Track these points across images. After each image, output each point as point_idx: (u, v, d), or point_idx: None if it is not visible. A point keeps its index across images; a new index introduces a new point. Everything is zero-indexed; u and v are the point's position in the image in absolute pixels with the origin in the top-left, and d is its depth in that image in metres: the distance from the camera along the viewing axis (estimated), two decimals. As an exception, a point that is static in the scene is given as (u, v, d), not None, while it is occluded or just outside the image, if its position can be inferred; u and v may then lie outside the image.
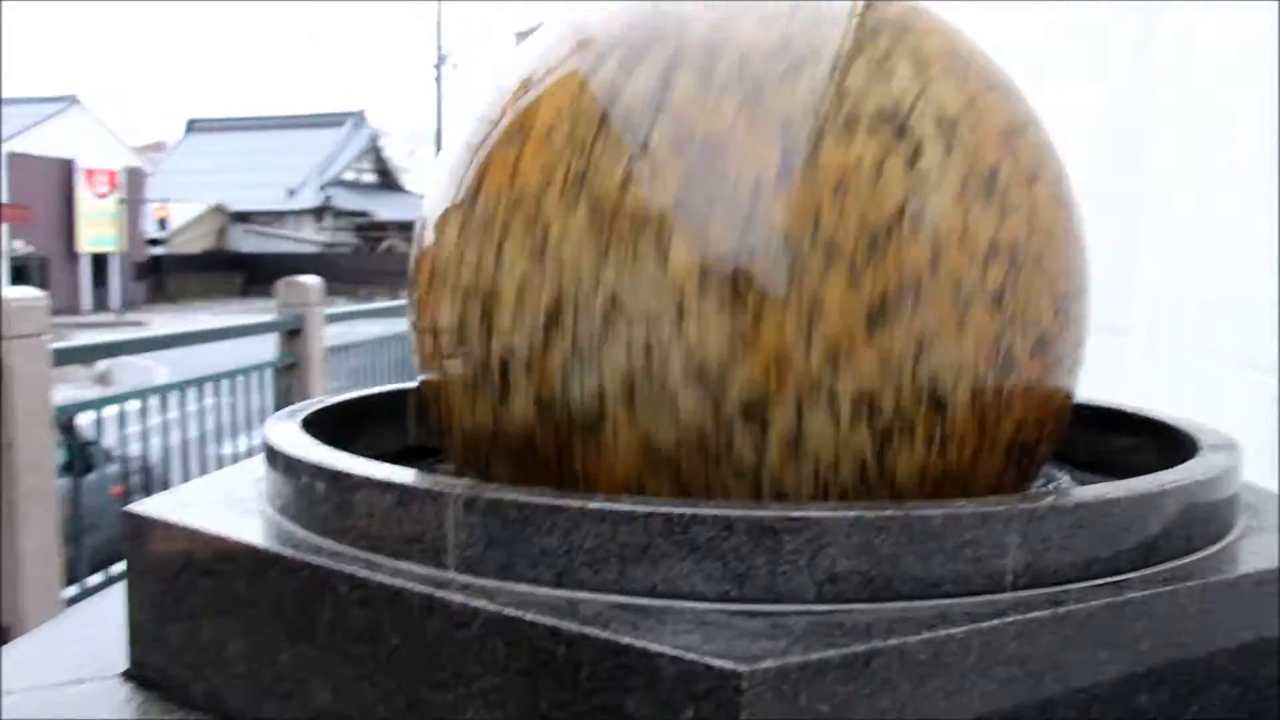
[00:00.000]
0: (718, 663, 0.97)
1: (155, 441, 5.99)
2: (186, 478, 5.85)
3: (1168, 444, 1.65)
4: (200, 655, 1.40)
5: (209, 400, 6.33)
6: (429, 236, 1.50)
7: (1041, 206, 1.40)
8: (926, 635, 1.06)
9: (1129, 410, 1.80)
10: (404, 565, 1.24)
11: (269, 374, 6.93)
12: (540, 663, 1.08)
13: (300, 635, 1.28)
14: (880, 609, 1.13)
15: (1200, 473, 1.39)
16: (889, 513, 1.15)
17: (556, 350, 1.30)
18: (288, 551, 1.31)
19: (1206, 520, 1.38)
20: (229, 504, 1.52)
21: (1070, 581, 1.21)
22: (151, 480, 6.15)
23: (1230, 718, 1.27)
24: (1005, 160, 1.37)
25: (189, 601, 1.41)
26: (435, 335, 1.47)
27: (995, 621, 1.10)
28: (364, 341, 8.13)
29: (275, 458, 1.47)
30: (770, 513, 1.14)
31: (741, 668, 0.96)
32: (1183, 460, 1.53)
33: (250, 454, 6.39)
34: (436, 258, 1.45)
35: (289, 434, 1.54)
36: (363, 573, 1.22)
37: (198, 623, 1.40)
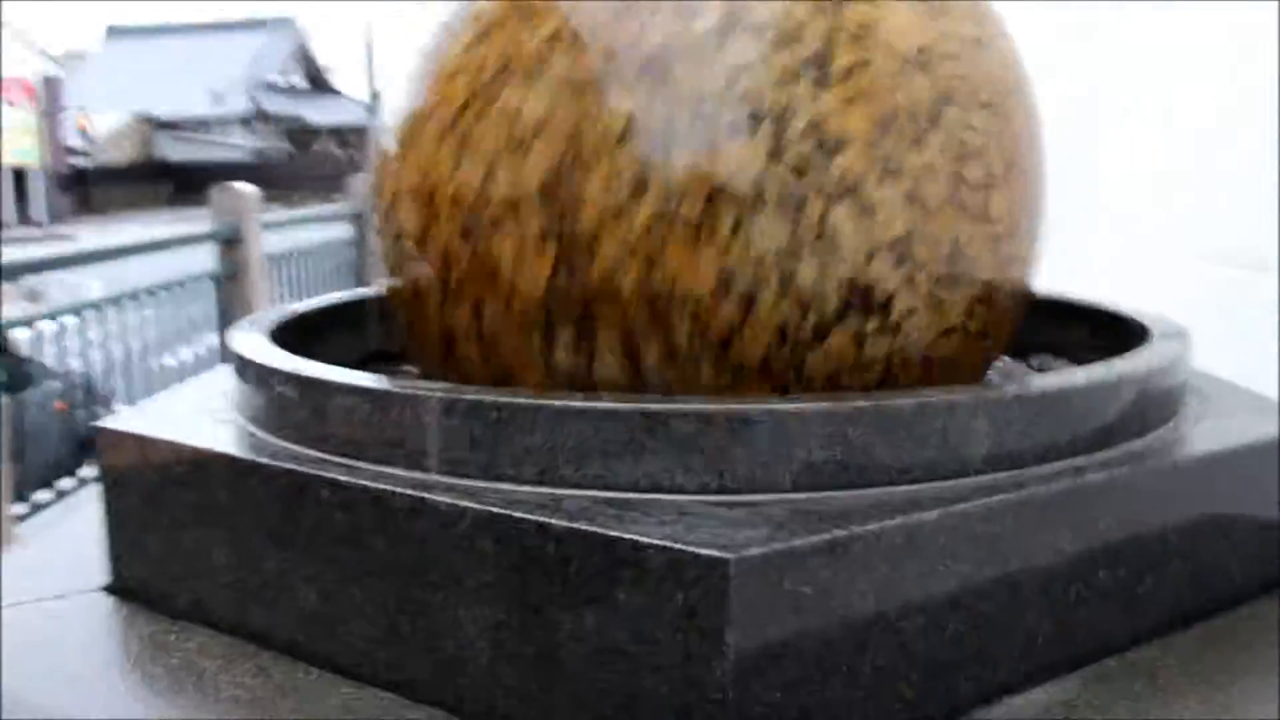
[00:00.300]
0: (705, 551, 1.01)
1: (96, 356, 5.88)
2: (130, 390, 5.77)
3: (1120, 333, 1.70)
4: (183, 566, 1.41)
5: (148, 312, 6.21)
6: (393, 145, 1.47)
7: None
8: (901, 520, 1.10)
9: (1081, 301, 1.85)
10: (385, 470, 1.25)
11: (208, 285, 6.80)
12: (529, 558, 1.10)
13: (284, 542, 1.30)
14: (855, 495, 1.17)
15: (1152, 360, 1.45)
16: (860, 403, 1.19)
17: (539, 252, 1.30)
18: (265, 460, 1.31)
19: (1160, 405, 1.43)
20: (201, 416, 1.52)
21: (1032, 464, 1.26)
22: (95, 395, 6.06)
23: (1181, 591, 1.34)
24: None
25: (168, 513, 1.41)
26: (402, 242, 1.46)
27: (964, 505, 1.15)
28: (304, 249, 7.97)
29: (246, 368, 1.46)
30: (748, 405, 1.17)
31: (728, 555, 1.00)
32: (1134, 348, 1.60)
33: (194, 364, 6.31)
34: (403, 166, 1.43)
35: (258, 344, 1.53)
36: (344, 478, 1.24)
37: (179, 534, 1.40)
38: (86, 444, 5.03)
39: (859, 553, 1.07)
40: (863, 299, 1.29)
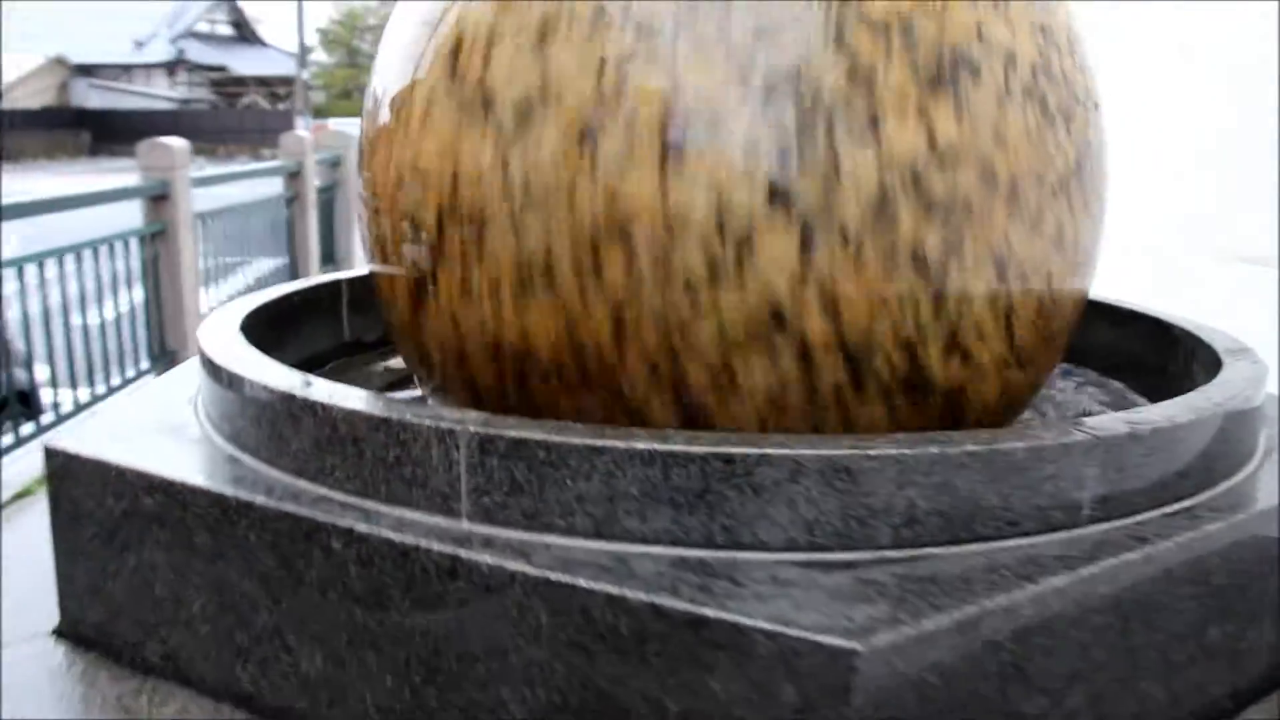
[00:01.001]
0: (826, 639, 0.84)
1: (9, 315, 5.50)
2: (50, 348, 5.43)
3: (1162, 340, 1.58)
4: (154, 612, 1.20)
5: (69, 268, 5.84)
6: (393, 116, 1.26)
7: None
8: (1030, 590, 0.94)
9: (1111, 301, 1.71)
10: (406, 514, 1.06)
11: (134, 242, 6.42)
12: (595, 633, 0.93)
13: (281, 593, 1.10)
14: (963, 554, 1.01)
15: (1245, 386, 1.31)
16: (971, 447, 1.03)
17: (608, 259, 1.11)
18: (260, 499, 1.11)
19: (1250, 435, 1.30)
20: (169, 434, 1.31)
21: (1145, 509, 1.11)
22: (10, 353, 5.68)
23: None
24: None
25: (135, 552, 1.20)
26: (403, 226, 1.25)
27: (1090, 568, 0.99)
28: (235, 206, 7.55)
29: (225, 379, 1.25)
30: (844, 450, 1.00)
31: (854, 644, 0.83)
32: (1187, 358, 1.47)
33: (117, 322, 5.94)
34: (410, 140, 1.23)
35: (238, 349, 1.32)
36: (361, 526, 1.04)
37: (148, 576, 1.20)
38: (1, 406, 4.69)
39: (988, 630, 0.91)
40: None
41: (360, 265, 1.61)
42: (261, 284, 7.23)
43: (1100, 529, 1.07)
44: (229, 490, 1.13)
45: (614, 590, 0.92)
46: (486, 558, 0.97)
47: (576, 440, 1.01)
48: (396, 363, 1.91)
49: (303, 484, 1.14)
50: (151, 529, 1.19)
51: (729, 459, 0.99)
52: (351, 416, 1.10)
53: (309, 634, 1.09)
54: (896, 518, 1.01)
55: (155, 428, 1.33)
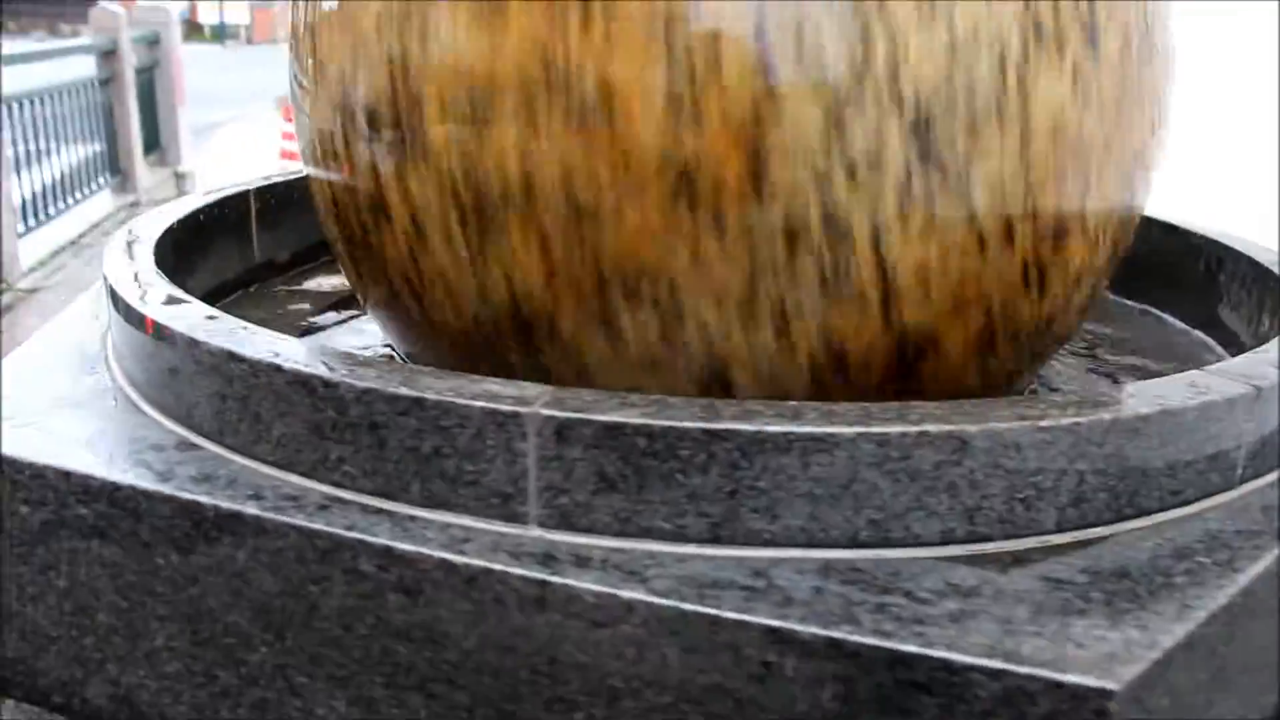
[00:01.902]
0: (1071, 678, 0.67)
1: None
2: None
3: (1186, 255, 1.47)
4: (100, 647, 0.93)
5: None
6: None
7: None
8: (1237, 582, 0.80)
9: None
10: (463, 523, 0.83)
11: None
12: (749, 676, 0.73)
13: (286, 626, 0.86)
14: (1132, 533, 0.86)
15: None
16: (1143, 410, 0.86)
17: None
18: (248, 508, 0.85)
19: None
20: (88, 411, 1.01)
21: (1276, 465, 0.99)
22: None
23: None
24: None
25: (70, 573, 0.93)
26: (359, 121, 0.99)
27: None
28: (43, 88, 6.66)
29: (180, 347, 0.97)
30: (1013, 423, 0.82)
31: (1108, 683, 0.67)
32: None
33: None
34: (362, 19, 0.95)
35: (179, 303, 1.02)
36: (406, 545, 0.80)
37: (93, 604, 0.92)
38: None
39: (1214, 639, 0.76)
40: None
41: (201, 161, 1.32)
42: (77, 172, 6.48)
43: (1253, 487, 0.94)
44: (202, 496, 0.86)
45: (774, 621, 0.72)
46: (589, 584, 0.76)
47: (690, 424, 0.79)
48: (319, 284, 1.63)
49: (295, 480, 0.89)
50: (91, 545, 0.91)
51: (882, 440, 0.79)
52: (369, 396, 0.85)
53: (326, 675, 0.85)
54: (1064, 497, 0.84)
55: (68, 402, 1.04)
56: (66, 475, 0.91)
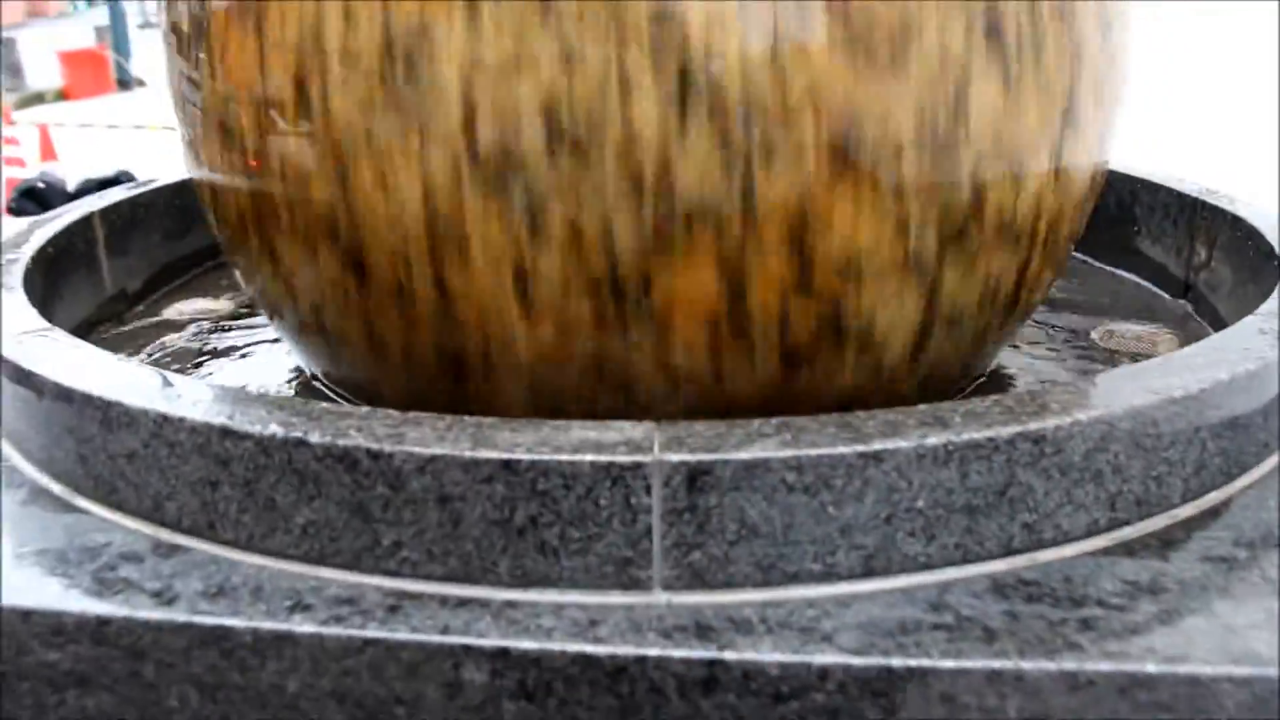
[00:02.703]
0: (1329, 677, 0.62)
1: None
2: None
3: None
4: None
5: None
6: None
7: None
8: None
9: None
10: (564, 599, 0.69)
11: None
12: (969, 729, 0.64)
13: (363, 758, 0.69)
14: (1246, 494, 0.83)
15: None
16: (1250, 366, 0.83)
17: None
18: (305, 626, 0.68)
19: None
20: (44, 528, 0.79)
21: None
22: None
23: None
24: None
25: (46, 743, 0.72)
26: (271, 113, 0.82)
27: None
28: None
29: (152, 427, 0.76)
30: (1150, 399, 0.76)
31: (1363, 676, 0.62)
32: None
33: None
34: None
35: (136, 374, 0.81)
36: (522, 641, 0.66)
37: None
38: None
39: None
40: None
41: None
42: None
43: (1308, 426, 0.94)
44: (230, 619, 0.68)
45: (996, 663, 0.63)
46: (769, 653, 0.64)
47: (843, 449, 0.68)
48: (179, 311, 1.40)
49: (337, 576, 0.72)
50: (62, 698, 0.71)
51: (1038, 437, 0.72)
52: (438, 466, 0.69)
53: (422, 806, 0.70)
54: (1189, 467, 0.80)
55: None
56: (25, 616, 0.70)
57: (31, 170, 5.71)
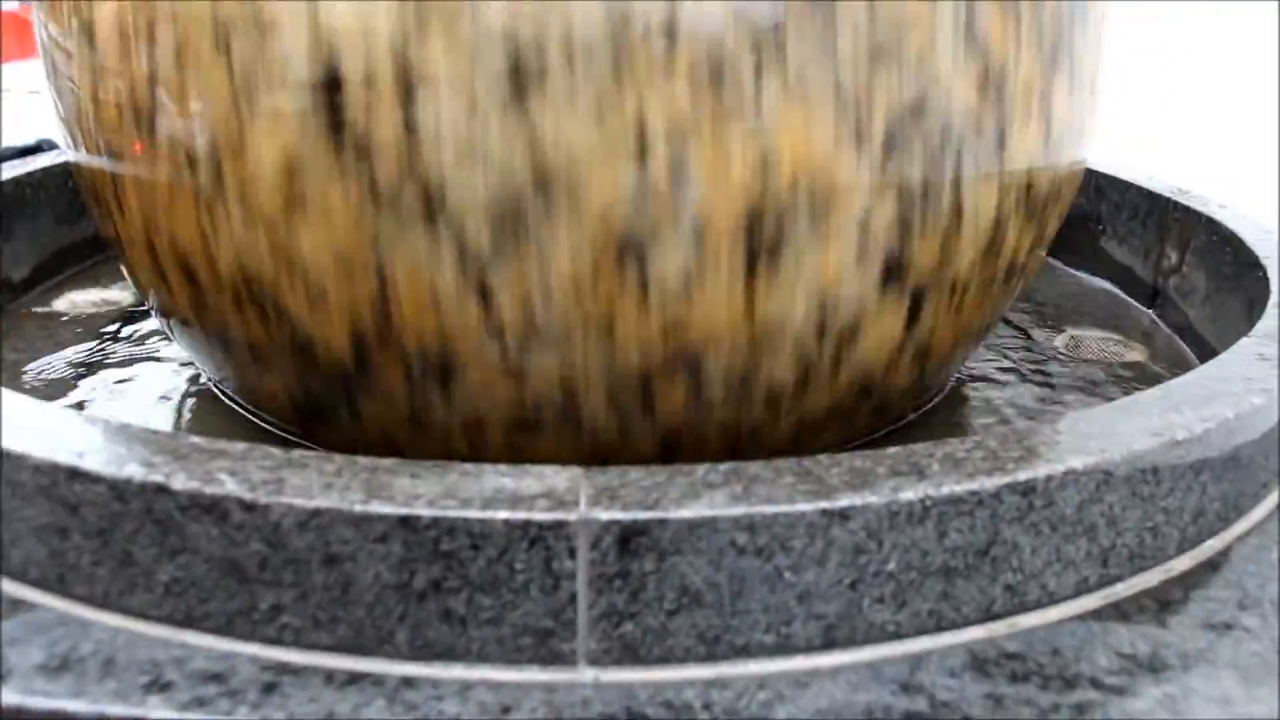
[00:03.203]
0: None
1: None
2: None
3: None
4: None
5: None
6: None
7: None
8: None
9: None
10: (470, 675, 0.59)
11: None
12: (944, 840, 0.55)
13: None
14: (1244, 539, 0.75)
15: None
16: (1255, 400, 0.74)
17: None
18: (160, 712, 0.57)
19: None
20: None
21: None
22: None
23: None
24: None
25: None
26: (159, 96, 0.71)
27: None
28: None
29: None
30: (1149, 444, 0.67)
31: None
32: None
33: None
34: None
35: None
36: (427, 733, 0.55)
37: None
38: None
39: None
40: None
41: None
42: None
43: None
44: (71, 701, 0.57)
45: (980, 761, 0.54)
46: (716, 749, 0.54)
47: (804, 506, 0.58)
48: (72, 302, 1.27)
49: (205, 643, 0.61)
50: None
51: (1027, 489, 0.62)
52: (322, 520, 0.58)
53: None
54: (1186, 516, 0.71)
55: None
56: None
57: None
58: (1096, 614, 0.66)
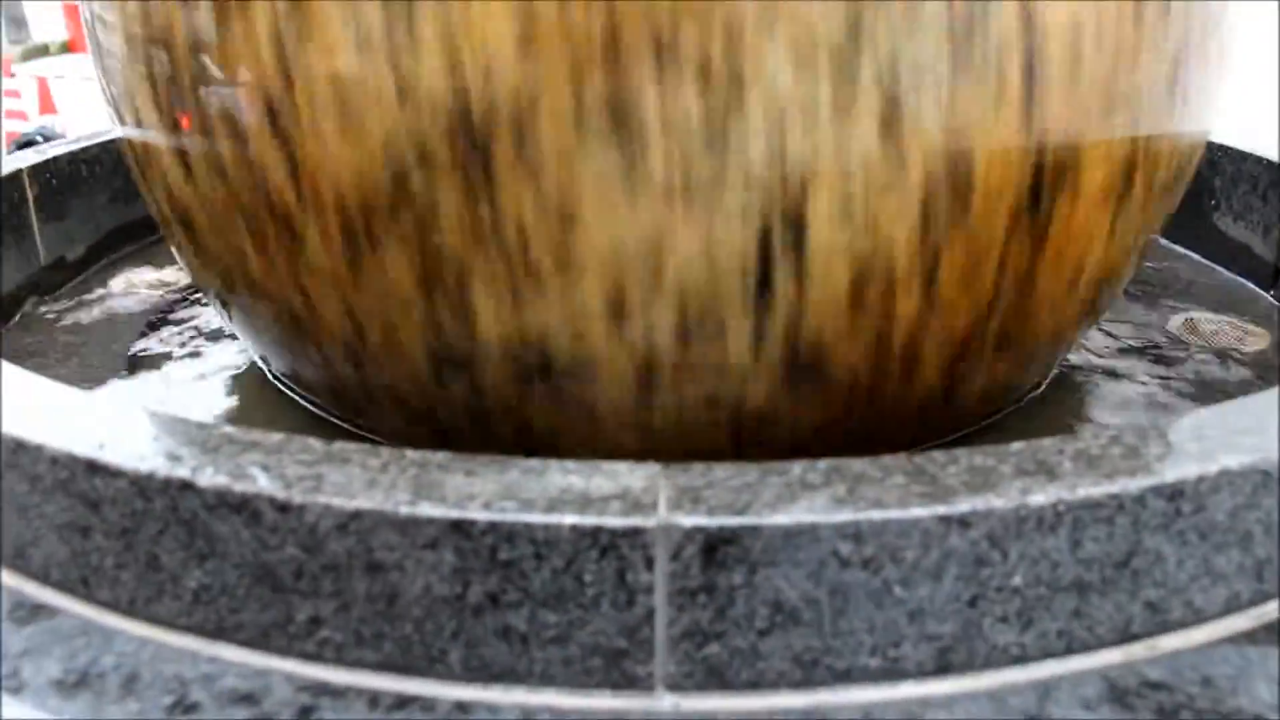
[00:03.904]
0: None
1: None
2: None
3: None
4: None
5: None
6: None
7: None
8: None
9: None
10: (533, 699, 0.52)
11: None
12: None
13: None
14: None
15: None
16: None
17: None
18: (179, 729, 0.50)
19: None
20: None
21: None
22: None
23: None
24: None
25: None
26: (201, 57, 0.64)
27: None
28: None
29: (9, 455, 0.59)
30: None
31: None
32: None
33: None
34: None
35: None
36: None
37: None
38: None
39: None
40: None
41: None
42: None
43: None
44: (86, 716, 0.51)
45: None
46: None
47: (918, 512, 0.50)
48: (128, 281, 1.23)
49: (237, 657, 0.54)
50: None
51: (1175, 492, 0.53)
52: (362, 524, 0.51)
53: None
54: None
55: None
56: None
57: (32, 124, 5.52)
58: (1250, 636, 0.57)
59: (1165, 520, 0.54)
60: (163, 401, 0.93)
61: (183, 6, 0.68)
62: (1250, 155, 1.25)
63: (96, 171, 1.30)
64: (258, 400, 0.94)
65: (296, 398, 0.92)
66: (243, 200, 0.71)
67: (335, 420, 0.88)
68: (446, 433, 0.76)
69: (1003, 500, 0.51)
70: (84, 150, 1.29)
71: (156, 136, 0.76)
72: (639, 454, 0.56)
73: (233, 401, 0.95)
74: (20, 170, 1.17)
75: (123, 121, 0.82)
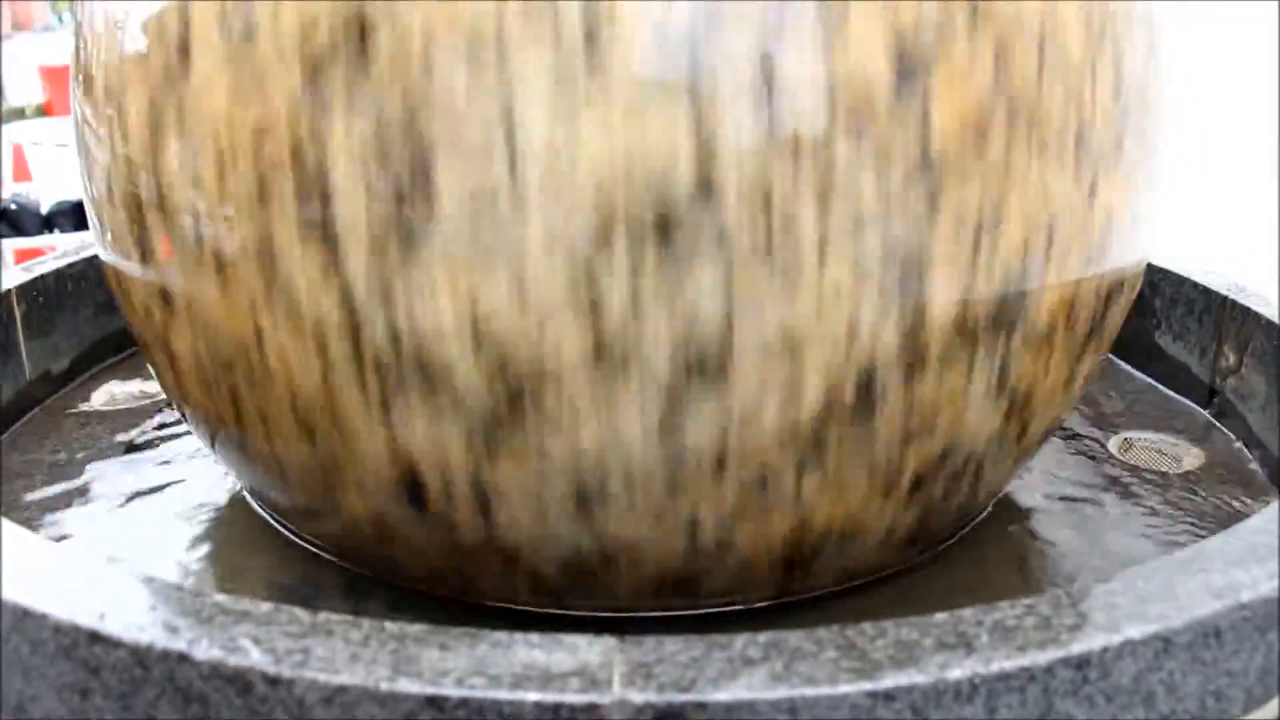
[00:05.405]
0: None
1: None
2: None
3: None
4: None
5: None
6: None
7: None
8: None
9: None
10: None
11: None
12: None
13: None
14: None
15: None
16: (1312, 546, 0.71)
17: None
18: None
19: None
20: None
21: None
22: None
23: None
24: None
25: None
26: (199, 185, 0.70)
27: None
28: None
29: (12, 620, 0.63)
30: (1214, 608, 0.64)
31: None
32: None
33: None
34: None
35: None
36: None
37: None
38: None
39: None
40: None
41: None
42: None
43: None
44: None
45: None
46: None
47: (846, 688, 0.55)
48: (110, 394, 1.27)
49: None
50: None
51: (1082, 662, 0.59)
52: (347, 697, 0.56)
53: None
54: (1252, 676, 0.67)
55: None
56: None
57: (5, 191, 5.54)
58: (1159, 789, 0.62)
59: (1074, 687, 0.60)
60: (146, 533, 0.98)
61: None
62: (1185, 279, 1.32)
63: (82, 286, 1.35)
64: (239, 528, 0.98)
65: (275, 524, 0.97)
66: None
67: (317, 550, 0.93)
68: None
69: (924, 675, 0.56)
70: (70, 266, 1.35)
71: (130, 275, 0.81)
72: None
73: (216, 529, 0.99)
74: (9, 290, 1.22)
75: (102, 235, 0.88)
